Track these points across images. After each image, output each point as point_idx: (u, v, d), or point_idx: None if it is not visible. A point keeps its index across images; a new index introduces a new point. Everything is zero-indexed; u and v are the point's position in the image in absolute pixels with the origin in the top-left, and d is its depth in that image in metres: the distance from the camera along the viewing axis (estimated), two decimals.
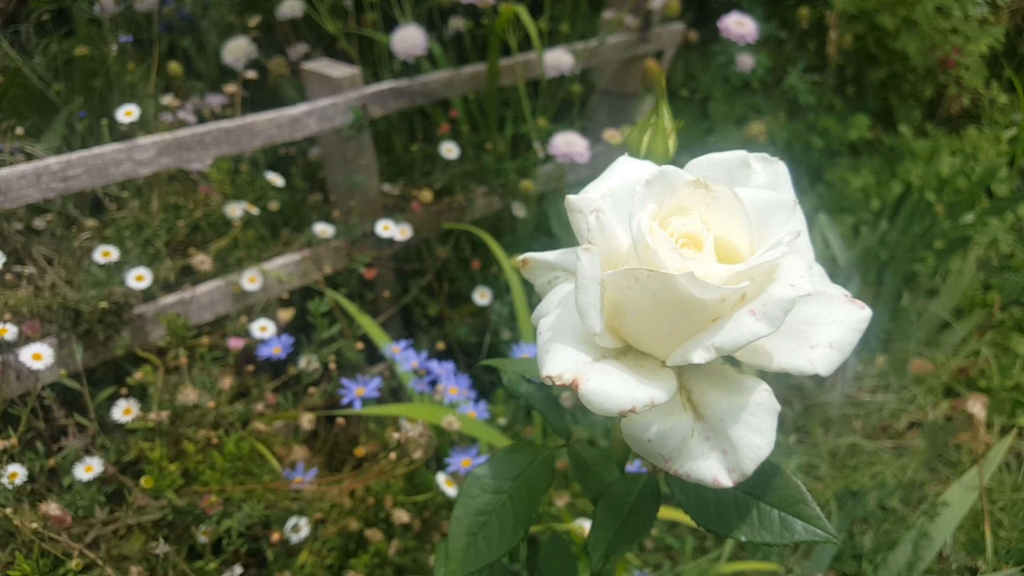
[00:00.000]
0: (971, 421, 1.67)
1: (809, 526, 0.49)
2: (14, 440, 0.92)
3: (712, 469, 0.41)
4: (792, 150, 2.39)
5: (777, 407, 0.42)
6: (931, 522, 1.42)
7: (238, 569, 0.99)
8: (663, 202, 0.43)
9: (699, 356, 0.39)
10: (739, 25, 1.61)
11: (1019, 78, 2.64)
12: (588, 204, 0.45)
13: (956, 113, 2.76)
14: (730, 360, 0.45)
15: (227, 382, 1.10)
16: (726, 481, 0.41)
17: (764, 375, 0.45)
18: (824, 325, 0.43)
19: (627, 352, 0.45)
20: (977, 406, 1.59)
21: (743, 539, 0.49)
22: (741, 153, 0.46)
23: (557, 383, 0.41)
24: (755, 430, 0.41)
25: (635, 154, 0.53)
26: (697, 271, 0.39)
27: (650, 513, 0.53)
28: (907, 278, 2.18)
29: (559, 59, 1.62)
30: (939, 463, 1.79)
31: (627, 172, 0.48)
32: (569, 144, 1.54)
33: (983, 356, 1.98)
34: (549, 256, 0.51)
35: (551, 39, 1.85)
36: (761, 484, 0.50)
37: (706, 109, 2.36)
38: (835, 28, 2.25)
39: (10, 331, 0.99)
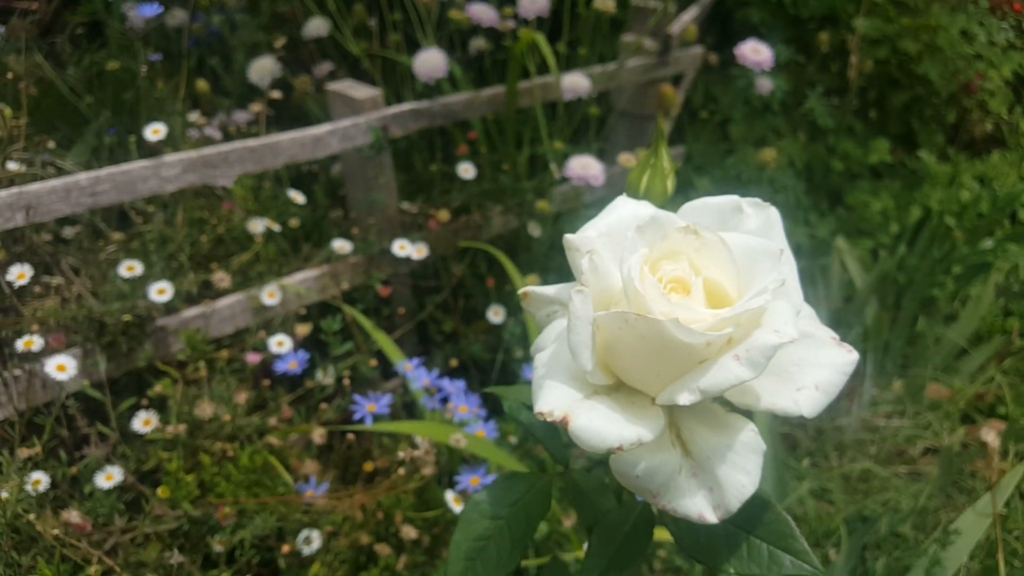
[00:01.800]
0: (985, 449, 1.66)
1: (797, 560, 0.50)
2: (39, 448, 0.95)
3: (698, 506, 0.43)
4: (812, 173, 2.39)
5: (763, 447, 0.44)
6: (943, 550, 1.41)
7: None
8: (654, 246, 0.45)
9: (685, 398, 0.41)
10: (755, 52, 1.62)
11: None
12: (584, 244, 0.47)
13: (979, 138, 2.75)
14: (719, 399, 0.46)
15: (243, 396, 1.13)
16: (711, 518, 0.43)
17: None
18: (811, 367, 0.44)
19: (619, 388, 0.47)
20: (991, 434, 1.59)
21: (732, 572, 0.50)
22: (734, 198, 0.48)
23: (548, 419, 0.43)
24: (741, 469, 0.43)
25: (634, 194, 0.55)
26: (683, 317, 0.40)
27: (644, 542, 0.55)
28: (925, 303, 2.17)
29: (576, 83, 1.64)
30: (953, 490, 1.78)
31: (624, 212, 0.50)
32: (584, 168, 1.56)
33: (1000, 383, 1.97)
34: (548, 290, 0.53)
35: (570, 62, 1.87)
36: (751, 518, 0.51)
37: (726, 131, 2.38)
38: (856, 52, 2.25)
39: (37, 343, 1.02)
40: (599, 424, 0.42)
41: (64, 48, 1.86)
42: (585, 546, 1.15)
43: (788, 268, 0.44)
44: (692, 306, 0.43)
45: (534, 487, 0.59)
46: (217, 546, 1.07)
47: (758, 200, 0.48)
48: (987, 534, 1.48)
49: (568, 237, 0.48)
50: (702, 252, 0.44)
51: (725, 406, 0.46)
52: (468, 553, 0.56)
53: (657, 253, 0.45)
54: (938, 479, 1.73)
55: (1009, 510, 1.66)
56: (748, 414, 0.47)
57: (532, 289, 0.53)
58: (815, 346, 0.45)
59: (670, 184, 0.55)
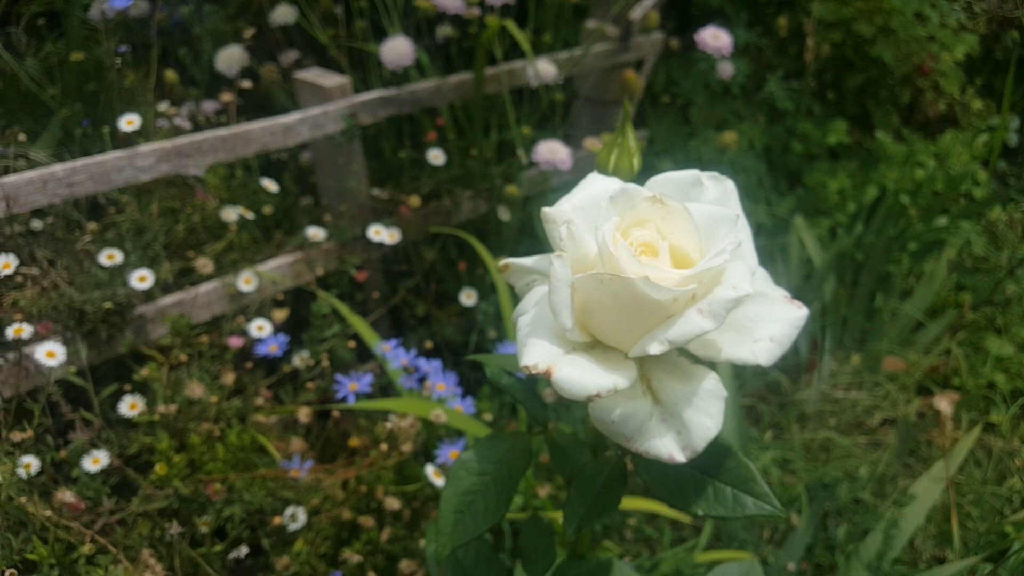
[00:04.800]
0: (939, 417, 1.74)
1: (759, 502, 0.55)
2: (30, 432, 0.97)
3: (668, 447, 0.48)
4: (771, 154, 2.46)
5: (724, 393, 0.48)
6: (900, 513, 1.48)
7: (244, 549, 1.05)
8: (625, 215, 0.49)
9: (655, 348, 0.46)
10: (715, 39, 1.68)
11: (996, 83, 2.72)
12: (560, 216, 0.51)
13: (933, 118, 2.83)
14: (685, 352, 0.51)
15: (229, 378, 1.16)
16: (680, 457, 0.47)
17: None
18: (766, 322, 0.49)
19: (595, 346, 0.51)
20: (944, 403, 1.66)
21: (700, 513, 0.55)
22: (694, 172, 0.52)
23: (533, 372, 0.47)
24: (705, 412, 0.48)
25: (603, 171, 0.59)
26: (652, 275, 0.45)
27: (618, 491, 0.59)
28: (882, 279, 2.25)
29: (543, 69, 1.68)
30: (911, 458, 1.85)
31: (595, 187, 0.54)
32: (552, 152, 1.60)
33: (955, 355, 2.05)
34: (527, 261, 0.57)
35: (535, 49, 1.91)
36: (715, 464, 0.56)
37: (687, 114, 2.43)
38: (812, 36, 2.32)
39: (26, 330, 1.04)
40: (579, 374, 0.46)
41: (20, 39, 1.84)
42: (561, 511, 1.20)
43: (744, 232, 0.49)
44: (660, 266, 0.47)
45: (516, 445, 0.63)
46: (203, 526, 1.10)
47: (716, 174, 0.53)
48: (942, 498, 1.56)
49: (545, 210, 0.52)
50: (668, 219, 0.49)
51: (690, 358, 0.51)
52: (457, 507, 0.60)
53: (628, 221, 0.49)
54: (895, 447, 1.80)
55: (963, 475, 1.74)
56: (713, 367, 0.52)
57: (512, 260, 0.57)
58: (769, 303, 0.50)
59: (636, 162, 0.59)
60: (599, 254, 0.48)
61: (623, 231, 0.49)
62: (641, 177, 0.58)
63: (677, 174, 0.53)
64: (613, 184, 0.54)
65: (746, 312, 0.49)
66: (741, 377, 1.95)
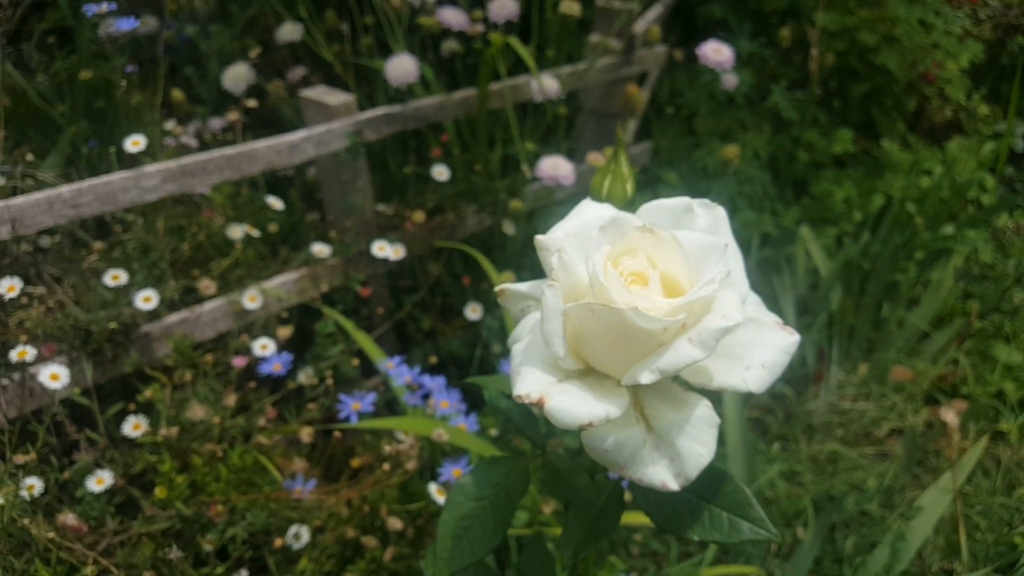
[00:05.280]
0: (946, 428, 1.73)
1: (754, 527, 0.55)
2: (33, 455, 0.98)
3: (661, 475, 0.48)
4: (777, 164, 2.45)
5: (717, 420, 0.48)
6: (907, 525, 1.47)
7: (245, 573, 1.05)
8: (615, 244, 0.49)
9: (646, 377, 0.46)
10: (716, 52, 1.68)
11: (1002, 89, 2.71)
12: (553, 243, 0.52)
13: (939, 125, 2.82)
14: (678, 379, 0.51)
15: (232, 399, 1.16)
16: (673, 485, 0.48)
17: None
18: (758, 349, 0.49)
19: (588, 373, 0.51)
20: (951, 413, 1.65)
21: (696, 538, 0.55)
22: (685, 200, 0.53)
23: (526, 401, 0.47)
24: (697, 440, 0.48)
25: (597, 197, 0.60)
26: (642, 305, 0.45)
27: (615, 515, 0.60)
28: (888, 288, 2.24)
29: (547, 85, 1.69)
30: (918, 469, 1.84)
31: (588, 214, 0.54)
32: (555, 168, 1.61)
33: (963, 364, 2.04)
34: (522, 287, 0.58)
35: (538, 64, 1.91)
36: (711, 489, 0.56)
37: (692, 125, 2.43)
38: (816, 45, 2.32)
39: (30, 352, 1.05)
40: (571, 404, 0.46)
41: (31, 56, 1.86)
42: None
43: (734, 261, 0.49)
44: (650, 296, 0.47)
45: (514, 469, 0.63)
46: (207, 545, 1.10)
47: (707, 201, 0.53)
48: (950, 509, 1.55)
49: (539, 238, 0.52)
50: (658, 248, 0.49)
51: (683, 386, 0.51)
52: (455, 532, 0.60)
53: (618, 250, 0.50)
54: (903, 458, 1.79)
55: (972, 485, 1.73)
56: (708, 394, 0.52)
57: (507, 286, 0.58)
58: (761, 329, 0.50)
59: (630, 187, 0.59)
60: (590, 283, 0.48)
61: (614, 260, 0.49)
62: (645, 192, 0.59)
63: (669, 201, 0.53)
64: (605, 211, 0.54)
65: (738, 339, 0.49)
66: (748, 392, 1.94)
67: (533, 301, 0.58)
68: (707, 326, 0.45)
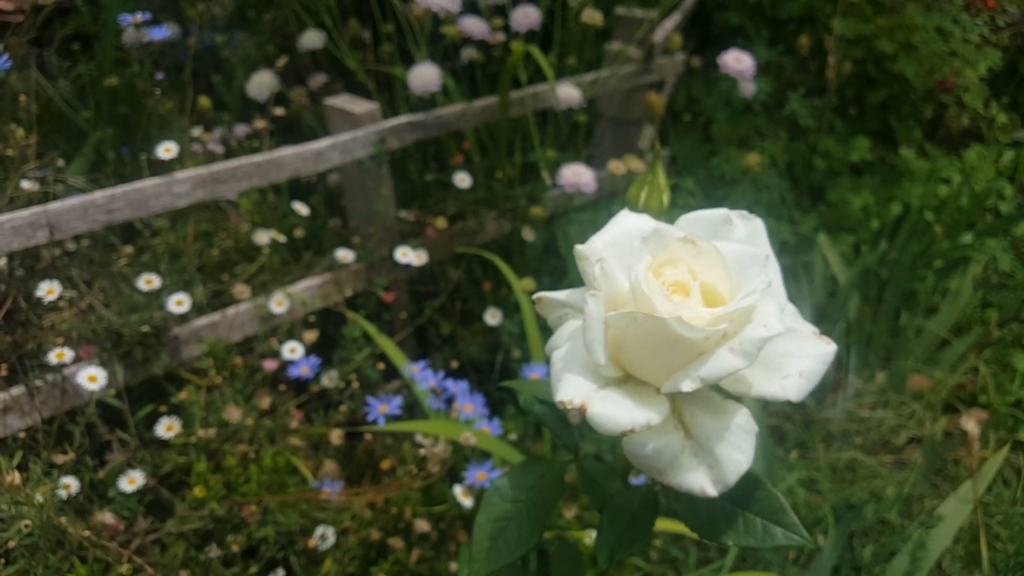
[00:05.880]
0: (966, 437, 1.73)
1: (788, 532, 0.56)
2: (72, 455, 1.00)
3: (700, 481, 0.49)
4: (794, 171, 2.46)
5: (755, 428, 0.50)
6: (927, 534, 1.48)
7: (281, 572, 1.07)
8: (657, 255, 0.51)
9: (687, 385, 0.47)
10: (737, 61, 1.69)
11: (1021, 97, 2.70)
12: (594, 253, 0.53)
13: (956, 133, 2.82)
14: (716, 387, 0.52)
15: (265, 401, 1.18)
16: (711, 491, 0.49)
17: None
18: (795, 358, 0.51)
19: (628, 380, 0.53)
20: (971, 422, 1.65)
21: (730, 544, 0.56)
22: (724, 211, 0.54)
23: (568, 407, 0.49)
24: (736, 447, 0.49)
25: (633, 207, 0.61)
26: (684, 315, 0.47)
27: (649, 521, 0.61)
28: (907, 296, 2.24)
29: (567, 93, 1.70)
30: (938, 478, 1.84)
31: (627, 224, 0.56)
32: (576, 175, 1.62)
33: (982, 372, 2.04)
34: (560, 295, 0.59)
35: (559, 72, 1.93)
36: (745, 496, 0.57)
37: (709, 132, 2.44)
38: (834, 53, 2.32)
39: (67, 354, 1.07)
40: (613, 410, 0.48)
41: (52, 61, 1.89)
42: (586, 531, 1.21)
43: (773, 271, 0.51)
44: (692, 306, 0.49)
45: (548, 472, 0.65)
46: (233, 546, 1.12)
47: (745, 212, 0.54)
48: (970, 519, 1.55)
49: (579, 248, 0.53)
50: (699, 259, 0.51)
51: (721, 393, 0.52)
52: (491, 533, 0.62)
53: (659, 260, 0.51)
54: (922, 467, 1.79)
55: (992, 495, 1.73)
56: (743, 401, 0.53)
57: (545, 294, 0.59)
58: (798, 339, 0.52)
59: (666, 198, 0.61)
60: (632, 293, 0.50)
61: (655, 270, 0.51)
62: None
63: (707, 213, 0.55)
64: (645, 222, 0.55)
65: (776, 348, 0.51)
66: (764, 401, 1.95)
67: (570, 309, 0.59)
68: (748, 336, 0.46)
